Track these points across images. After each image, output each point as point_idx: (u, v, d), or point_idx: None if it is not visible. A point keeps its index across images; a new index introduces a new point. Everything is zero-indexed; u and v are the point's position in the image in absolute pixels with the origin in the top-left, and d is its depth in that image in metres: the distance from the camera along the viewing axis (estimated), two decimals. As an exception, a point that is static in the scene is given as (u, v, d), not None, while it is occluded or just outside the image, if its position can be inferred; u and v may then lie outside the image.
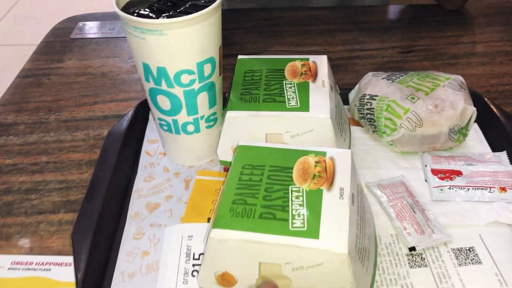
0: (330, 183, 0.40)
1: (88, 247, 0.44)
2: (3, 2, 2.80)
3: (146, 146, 0.58)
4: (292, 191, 0.40)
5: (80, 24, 0.83)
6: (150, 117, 0.61)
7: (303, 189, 0.40)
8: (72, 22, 0.84)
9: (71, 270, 0.46)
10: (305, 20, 0.82)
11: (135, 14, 0.44)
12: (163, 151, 0.57)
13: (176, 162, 0.55)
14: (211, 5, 0.44)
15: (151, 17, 0.44)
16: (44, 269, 0.46)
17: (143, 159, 0.56)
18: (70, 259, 0.47)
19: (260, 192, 0.40)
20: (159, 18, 0.44)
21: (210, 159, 0.56)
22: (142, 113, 0.61)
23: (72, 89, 0.69)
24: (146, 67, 0.46)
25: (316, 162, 0.42)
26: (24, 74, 0.72)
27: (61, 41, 0.79)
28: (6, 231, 0.50)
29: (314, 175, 0.41)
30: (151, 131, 0.59)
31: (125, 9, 0.46)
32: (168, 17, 0.44)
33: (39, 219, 0.51)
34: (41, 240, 0.49)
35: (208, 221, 0.48)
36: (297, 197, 0.39)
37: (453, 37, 0.76)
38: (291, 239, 0.36)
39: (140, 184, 0.53)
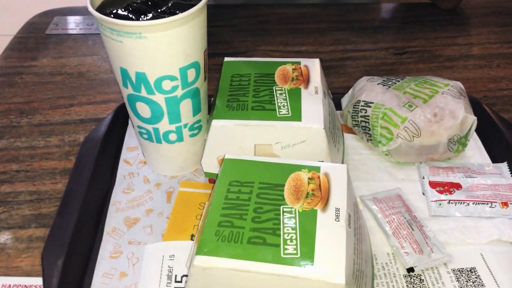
0: (325, 202, 0.37)
1: (60, 267, 0.40)
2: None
3: (125, 154, 0.54)
4: (284, 212, 0.36)
5: (56, 18, 0.78)
6: (130, 121, 0.57)
7: (295, 210, 0.36)
8: (48, 16, 0.79)
9: (41, 293, 0.42)
10: (295, 18, 0.78)
11: (112, 15, 0.40)
12: (143, 160, 0.53)
13: (157, 172, 0.52)
14: (195, 4, 0.40)
15: (130, 18, 0.40)
16: (11, 293, 0.42)
17: (122, 168, 0.52)
18: (40, 281, 0.43)
19: (249, 213, 0.37)
20: (138, 20, 0.40)
21: (194, 169, 0.52)
22: (121, 117, 0.56)
23: (47, 90, 0.64)
24: (124, 72, 0.42)
25: (309, 178, 0.39)
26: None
27: (35, 37, 0.75)
28: (-30, 249, 0.46)
29: (308, 194, 0.37)
30: (131, 137, 0.55)
31: (101, 8, 0.42)
32: (148, 18, 0.40)
33: (6, 235, 0.47)
34: (9, 259, 0.45)
35: (192, 239, 0.44)
36: (289, 218, 0.36)
37: (449, 38, 0.73)
38: (283, 267, 0.33)
39: (118, 196, 0.49)
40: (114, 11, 0.41)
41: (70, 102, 0.62)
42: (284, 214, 0.36)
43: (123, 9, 0.41)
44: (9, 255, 0.45)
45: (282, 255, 0.34)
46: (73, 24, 0.77)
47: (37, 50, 0.72)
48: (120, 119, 0.56)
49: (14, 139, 0.57)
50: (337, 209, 0.36)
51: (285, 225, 0.35)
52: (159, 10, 0.41)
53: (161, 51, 0.40)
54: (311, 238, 0.35)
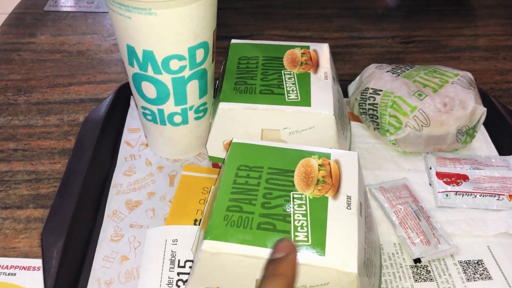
0: (336, 190, 0.36)
1: (60, 249, 0.39)
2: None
3: (126, 136, 0.52)
4: (294, 198, 0.35)
5: (55, -5, 0.76)
6: (132, 102, 0.56)
7: (306, 197, 0.35)
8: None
9: (39, 275, 0.41)
10: (299, 2, 0.77)
11: (120, -11, 0.38)
12: (145, 142, 0.52)
13: (160, 155, 0.50)
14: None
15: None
16: (9, 274, 0.41)
17: (123, 150, 0.51)
18: (38, 262, 0.42)
19: (258, 198, 0.36)
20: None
21: (197, 152, 0.51)
22: (122, 97, 0.55)
23: (45, 68, 0.62)
24: (131, 50, 0.41)
25: (319, 165, 0.38)
26: (-9, 49, 0.65)
27: (33, 13, 0.72)
28: (-34, 228, 0.44)
29: (318, 181, 0.37)
30: (133, 119, 0.54)
31: (108, -18, 0.40)
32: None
33: (4, 215, 0.45)
34: (6, 239, 0.43)
35: (195, 224, 0.43)
36: (299, 205, 0.35)
37: (455, 29, 0.72)
38: (293, 255, 0.32)
39: (119, 178, 0.48)
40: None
41: (69, 81, 0.60)
42: (295, 200, 0.35)
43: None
44: (7, 235, 0.44)
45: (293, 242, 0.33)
46: (72, 1, 0.75)
47: (35, 27, 0.70)
48: (122, 100, 0.55)
49: (12, 117, 0.55)
50: (349, 197, 0.36)
51: (295, 212, 0.35)
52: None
53: (171, 29, 0.39)
54: (322, 225, 0.34)
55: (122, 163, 0.49)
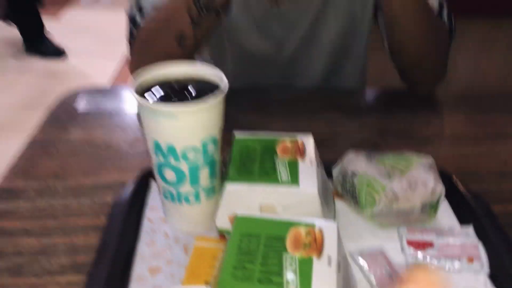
0: (319, 252, 0.46)
1: (96, 307, 0.48)
2: None
3: (148, 213, 0.63)
4: (286, 258, 0.45)
5: (85, 96, 0.90)
6: (152, 185, 0.66)
7: (295, 257, 0.45)
8: (77, 95, 0.91)
9: (78, 329, 0.49)
10: (291, 100, 0.91)
11: (150, 99, 0.51)
12: (163, 217, 0.62)
13: (176, 229, 0.60)
14: (213, 87, 0.51)
15: (163, 100, 0.51)
16: (53, 328, 0.49)
17: (145, 225, 0.61)
18: (77, 319, 0.50)
19: (258, 258, 0.45)
20: (171, 103, 0.51)
21: (207, 226, 0.61)
22: (144, 182, 0.66)
23: (79, 158, 0.74)
24: (157, 145, 0.52)
25: (306, 233, 0.48)
26: (32, 143, 0.78)
27: (66, 112, 0.86)
28: (18, 291, 0.53)
29: (305, 245, 0.46)
30: (152, 199, 0.65)
31: (140, 92, 0.53)
32: (179, 99, 0.51)
33: (47, 280, 0.55)
34: (51, 300, 0.52)
35: (206, 284, 0.52)
36: (290, 264, 0.45)
37: (424, 121, 0.85)
38: (285, 301, 0.41)
39: (143, 249, 0.58)
40: (151, 95, 0.52)
41: (98, 169, 0.72)
42: (287, 260, 0.45)
43: (159, 94, 0.52)
44: (50, 297, 0.53)
45: (285, 291, 0.42)
46: (99, 102, 0.89)
47: (69, 124, 0.82)
48: (143, 184, 0.66)
49: (51, 199, 0.66)
50: (329, 257, 0.45)
51: (287, 269, 0.44)
52: (185, 93, 0.53)
53: (188, 128, 0.51)
54: (308, 279, 0.43)
55: (145, 236, 0.59)
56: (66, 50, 3.11)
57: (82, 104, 0.88)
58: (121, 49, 3.09)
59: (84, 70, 2.94)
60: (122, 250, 0.56)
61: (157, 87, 0.54)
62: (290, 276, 0.43)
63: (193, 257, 0.56)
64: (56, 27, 3.34)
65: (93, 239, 0.60)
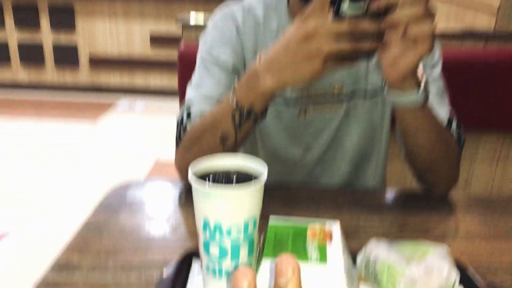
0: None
1: None
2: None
3: (191, 288, 0.70)
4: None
5: (133, 187, 1.01)
6: (193, 265, 0.74)
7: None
8: (127, 186, 1.02)
9: None
10: (317, 197, 1.00)
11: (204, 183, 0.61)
12: (204, 293, 0.69)
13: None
14: (259, 177, 0.62)
15: (215, 185, 0.61)
16: None
17: (188, 299, 0.68)
18: None
19: None
20: (222, 187, 0.61)
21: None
22: (186, 261, 0.74)
23: (127, 239, 0.83)
24: (206, 223, 0.62)
25: (333, 302, 0.55)
26: (87, 224, 0.87)
27: (118, 199, 0.97)
28: None
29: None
30: (193, 277, 0.72)
31: (195, 175, 0.63)
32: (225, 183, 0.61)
33: None
34: None
35: None
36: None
37: (440, 218, 0.93)
38: None
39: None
40: (205, 180, 0.62)
41: (145, 249, 0.80)
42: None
43: (211, 179, 0.63)
44: None
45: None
46: (145, 193, 1.00)
47: (119, 209, 0.93)
48: (185, 263, 0.74)
49: (104, 274, 0.74)
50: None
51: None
52: (230, 179, 0.63)
53: (234, 209, 0.60)
54: None
55: (187, 308, 0.66)
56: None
57: (129, 195, 0.99)
58: (154, 151, 3.32)
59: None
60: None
61: (210, 175, 0.65)
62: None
63: (230, 328, 0.62)
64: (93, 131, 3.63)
65: (140, 310, 0.67)
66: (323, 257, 0.63)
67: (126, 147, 3.52)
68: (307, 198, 1.00)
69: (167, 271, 0.71)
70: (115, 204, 0.95)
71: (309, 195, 1.01)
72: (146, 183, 1.05)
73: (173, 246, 0.82)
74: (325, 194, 1.02)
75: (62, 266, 0.76)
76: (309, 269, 0.62)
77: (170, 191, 1.01)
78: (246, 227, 0.62)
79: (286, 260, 0.38)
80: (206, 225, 0.62)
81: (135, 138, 3.69)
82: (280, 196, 0.99)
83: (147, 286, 0.71)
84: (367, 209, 0.95)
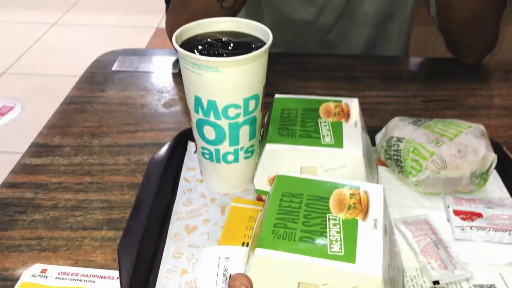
0: (365, 214, 0.44)
1: (133, 261, 0.47)
2: (29, 35, 2.92)
3: (184, 173, 0.61)
4: (329, 219, 0.43)
5: (121, 57, 0.89)
6: (189, 146, 0.65)
7: (339, 218, 0.43)
8: (114, 55, 0.90)
9: (113, 283, 0.49)
10: (331, 66, 0.87)
11: (192, 52, 0.49)
12: (200, 178, 0.60)
13: (212, 189, 0.59)
14: (258, 47, 0.49)
15: (206, 55, 0.49)
16: (89, 281, 0.49)
17: (182, 185, 0.60)
18: (112, 273, 0.50)
19: (300, 218, 0.43)
20: (215, 57, 0.49)
21: (244, 187, 0.59)
22: (181, 142, 0.65)
23: (114, 117, 0.73)
24: (198, 100, 0.51)
25: (351, 194, 0.46)
26: (69, 101, 0.77)
27: (103, 72, 0.85)
28: (53, 243, 0.53)
29: (350, 206, 0.44)
30: (190, 160, 0.63)
31: (183, 45, 0.51)
32: (222, 55, 0.49)
33: (83, 235, 0.54)
34: (86, 254, 0.52)
35: (243, 245, 0.51)
36: (334, 224, 0.43)
37: (472, 90, 0.81)
38: (329, 262, 0.39)
39: (179, 207, 0.56)
40: (195, 48, 0.50)
41: (134, 128, 0.71)
42: (330, 220, 0.43)
43: (201, 47, 0.50)
44: (86, 251, 0.52)
45: (328, 252, 0.40)
46: (135, 63, 0.88)
47: (104, 84, 0.82)
48: (181, 144, 0.65)
49: (87, 157, 0.65)
50: (375, 220, 0.43)
51: (330, 229, 0.42)
52: (230, 49, 0.50)
53: (231, 83, 0.49)
54: (353, 240, 0.41)
55: (181, 195, 0.58)
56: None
57: (118, 65, 0.87)
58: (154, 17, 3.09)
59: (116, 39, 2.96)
60: (158, 207, 0.55)
61: (200, 41, 0.52)
62: (334, 235, 0.42)
63: (230, 218, 0.55)
64: None
65: (129, 197, 0.59)
66: (338, 138, 0.53)
67: (124, 11, 3.28)
68: (319, 67, 0.87)
69: (160, 152, 0.62)
70: (101, 77, 0.84)
71: (322, 64, 0.88)
72: (138, 53, 0.92)
73: (166, 127, 0.72)
74: (341, 63, 0.89)
75: (41, 147, 0.67)
76: (322, 153, 0.52)
77: (166, 63, 0.89)
78: (246, 105, 0.51)
79: (239, 280, 0.38)
80: (198, 103, 0.51)
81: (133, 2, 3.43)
82: (288, 67, 0.87)
83: (136, 170, 0.63)
84: (389, 81, 0.83)
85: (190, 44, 0.51)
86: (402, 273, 0.48)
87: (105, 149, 0.67)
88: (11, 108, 2.22)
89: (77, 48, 2.76)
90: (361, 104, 0.59)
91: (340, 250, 0.40)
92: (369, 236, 0.41)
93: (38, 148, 0.67)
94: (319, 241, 0.41)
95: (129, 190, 0.60)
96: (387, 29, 0.97)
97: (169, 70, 0.86)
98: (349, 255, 0.40)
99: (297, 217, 0.44)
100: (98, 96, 0.78)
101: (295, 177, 0.48)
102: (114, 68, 0.86)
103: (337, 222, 0.43)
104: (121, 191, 0.60)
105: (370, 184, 0.47)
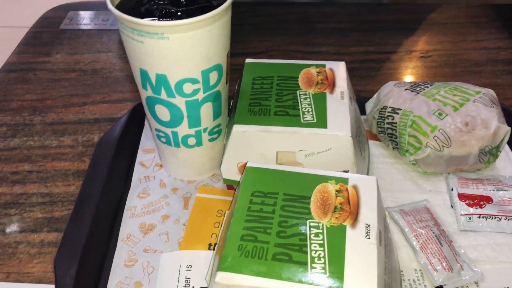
0: (354, 217, 0.35)
1: (73, 276, 0.39)
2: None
3: (141, 156, 0.52)
4: (310, 226, 0.34)
5: (71, 13, 0.77)
6: (146, 123, 0.55)
7: (323, 225, 0.34)
8: (62, 11, 0.78)
9: (52, 302, 0.40)
10: (315, 16, 0.76)
11: (132, 14, 0.38)
12: (159, 163, 0.51)
13: (174, 176, 0.50)
14: (218, 5, 0.38)
15: (151, 17, 0.38)
16: (22, 301, 0.41)
17: (138, 172, 0.50)
18: (52, 288, 0.41)
19: (273, 226, 0.35)
20: (160, 20, 0.38)
21: (212, 173, 0.50)
22: (137, 117, 0.55)
23: (60, 87, 0.62)
24: (144, 74, 0.40)
25: (337, 191, 0.37)
26: (7, 68, 0.66)
27: (49, 31, 0.73)
28: (-19, 253, 0.44)
29: (336, 208, 0.35)
30: (147, 139, 0.54)
31: (121, 6, 0.40)
32: (170, 18, 0.38)
33: (18, 239, 0.45)
34: (20, 264, 0.43)
35: (210, 249, 0.42)
36: (316, 234, 0.34)
37: (475, 42, 0.70)
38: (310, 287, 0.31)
39: (133, 201, 0.47)
40: (135, 10, 0.39)
41: (84, 100, 0.60)
42: (311, 229, 0.34)
43: (143, 8, 0.39)
44: (21, 260, 0.43)
45: (309, 274, 0.32)
46: (88, 19, 0.75)
47: (51, 46, 0.70)
48: (136, 120, 0.54)
49: (27, 138, 0.55)
50: (367, 226, 0.34)
51: (312, 241, 0.33)
52: (180, 11, 0.39)
53: (183, 53, 0.38)
54: (340, 256, 0.32)
55: (136, 185, 0.49)
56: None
57: (67, 22, 0.75)
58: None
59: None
60: (107, 202, 0.46)
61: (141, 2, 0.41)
62: (316, 250, 0.33)
63: (194, 213, 0.46)
64: None
65: (75, 188, 0.50)
66: (321, 116, 0.43)
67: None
68: (299, 18, 0.75)
69: (111, 131, 0.52)
70: (46, 37, 0.72)
71: (302, 13, 0.76)
72: (91, 7, 0.80)
73: (121, 97, 0.61)
74: (324, 11, 0.77)
75: (-26, 128, 0.57)
76: (302, 136, 0.42)
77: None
78: (206, 79, 0.41)
79: None
80: (145, 78, 0.41)
81: None
82: (263, 19, 0.75)
83: (84, 154, 0.53)
84: (379, 32, 0.72)
85: (130, 3, 0.40)
86: (399, 278, 0.40)
87: (48, 127, 0.57)
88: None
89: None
90: (349, 63, 0.49)
91: (324, 271, 0.32)
92: (360, 249, 0.33)
93: (-31, 129, 0.57)
94: (298, 259, 0.32)
95: (75, 179, 0.51)
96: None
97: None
98: (336, 277, 0.31)
99: (270, 225, 0.35)
100: (42, 61, 0.67)
101: (268, 169, 0.39)
102: (62, 26, 0.74)
103: (320, 231, 0.34)
104: (66, 181, 0.50)
105: (360, 176, 0.38)
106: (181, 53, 0.38)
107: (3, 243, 0.45)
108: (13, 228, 0.46)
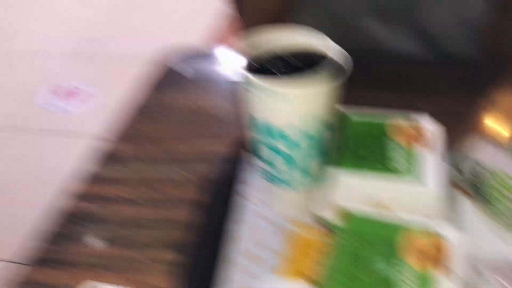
0: (445, 269, 0.39)
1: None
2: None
3: (244, 191, 0.59)
4: (403, 272, 0.39)
5: (185, 58, 0.86)
6: (251, 160, 0.62)
7: (415, 271, 0.39)
8: (177, 56, 0.87)
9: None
10: (392, 70, 0.79)
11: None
12: (263, 199, 0.58)
13: (274, 212, 0.56)
14: (326, 65, 0.44)
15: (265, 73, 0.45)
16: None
17: (246, 207, 0.57)
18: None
19: (371, 271, 0.39)
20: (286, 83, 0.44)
21: (307, 213, 0.55)
22: (242, 155, 0.62)
23: (183, 126, 0.72)
24: (253, 120, 0.47)
25: (430, 242, 0.41)
26: (135, 107, 0.76)
27: (170, 76, 0.83)
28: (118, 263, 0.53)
29: (429, 258, 0.39)
30: (249, 174, 0.60)
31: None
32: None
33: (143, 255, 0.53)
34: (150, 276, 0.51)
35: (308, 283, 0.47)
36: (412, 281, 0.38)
37: None
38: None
39: (245, 233, 0.54)
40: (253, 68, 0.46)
41: (194, 138, 0.69)
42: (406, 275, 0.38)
43: (261, 67, 0.46)
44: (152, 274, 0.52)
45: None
46: (206, 67, 0.85)
47: (174, 90, 0.80)
48: (241, 157, 0.62)
49: (154, 167, 0.65)
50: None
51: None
52: (293, 69, 0.46)
53: (296, 110, 0.45)
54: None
55: (244, 218, 0.55)
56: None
57: (182, 67, 0.85)
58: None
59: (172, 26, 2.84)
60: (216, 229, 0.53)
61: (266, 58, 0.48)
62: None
63: (291, 246, 0.51)
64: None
65: (192, 215, 0.57)
66: (415, 169, 0.48)
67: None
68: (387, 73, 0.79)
69: (223, 169, 0.59)
70: (168, 81, 0.82)
71: (380, 68, 0.80)
72: (204, 53, 0.89)
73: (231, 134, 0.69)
74: (403, 67, 0.80)
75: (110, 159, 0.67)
76: (397, 186, 0.47)
77: (232, 65, 0.85)
78: (312, 130, 0.47)
79: None
80: (263, 127, 0.48)
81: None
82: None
83: (196, 183, 0.61)
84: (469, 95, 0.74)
85: (255, 61, 0.48)
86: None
87: (171, 160, 0.66)
88: (88, 92, 2.26)
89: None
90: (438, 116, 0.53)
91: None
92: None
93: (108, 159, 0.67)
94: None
95: (188, 207, 0.58)
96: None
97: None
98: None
99: (367, 269, 0.40)
100: (166, 102, 0.77)
101: (365, 219, 0.44)
102: (179, 70, 0.84)
103: (414, 277, 0.38)
104: (183, 208, 0.58)
105: (453, 232, 0.42)
106: (295, 109, 0.45)
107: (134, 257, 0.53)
108: (137, 244, 0.54)
